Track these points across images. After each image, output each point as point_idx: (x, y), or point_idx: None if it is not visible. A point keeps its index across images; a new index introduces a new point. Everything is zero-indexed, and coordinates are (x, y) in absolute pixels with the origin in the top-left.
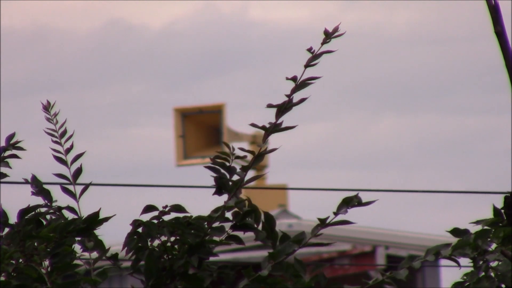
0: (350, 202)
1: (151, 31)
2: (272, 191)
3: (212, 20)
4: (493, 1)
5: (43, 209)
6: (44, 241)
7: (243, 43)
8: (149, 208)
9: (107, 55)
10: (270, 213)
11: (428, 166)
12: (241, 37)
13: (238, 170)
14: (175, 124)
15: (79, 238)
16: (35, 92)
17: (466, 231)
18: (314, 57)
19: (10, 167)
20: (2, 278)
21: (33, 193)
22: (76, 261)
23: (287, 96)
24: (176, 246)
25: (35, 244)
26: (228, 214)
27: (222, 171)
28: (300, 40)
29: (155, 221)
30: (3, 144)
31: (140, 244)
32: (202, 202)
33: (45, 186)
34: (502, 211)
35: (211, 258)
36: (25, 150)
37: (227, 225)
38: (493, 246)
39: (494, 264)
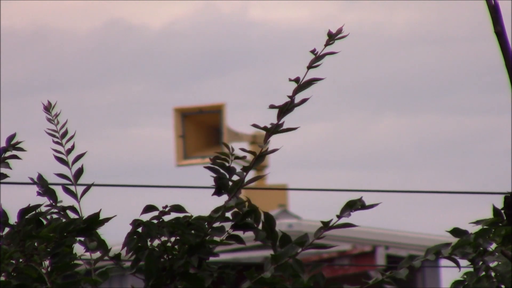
0: (354, 205)
1: (151, 31)
2: (272, 191)
3: (212, 20)
4: (493, 1)
5: (43, 209)
6: (44, 241)
7: (243, 43)
8: (149, 208)
9: (107, 55)
10: (270, 213)
11: (428, 166)
12: (241, 37)
13: (238, 170)
14: (175, 124)
15: (81, 238)
16: (35, 92)
17: (466, 232)
18: (317, 59)
19: (10, 168)
20: (2, 278)
21: (38, 193)
22: (77, 261)
23: (289, 97)
24: (176, 246)
25: (35, 244)
26: (228, 214)
27: (222, 171)
28: (300, 40)
29: (155, 221)
30: (3, 144)
31: (140, 244)
32: (202, 202)
33: (50, 186)
34: (502, 211)
35: (211, 258)
36: (25, 151)
37: (227, 225)
38: (493, 245)
39: (493, 264)
